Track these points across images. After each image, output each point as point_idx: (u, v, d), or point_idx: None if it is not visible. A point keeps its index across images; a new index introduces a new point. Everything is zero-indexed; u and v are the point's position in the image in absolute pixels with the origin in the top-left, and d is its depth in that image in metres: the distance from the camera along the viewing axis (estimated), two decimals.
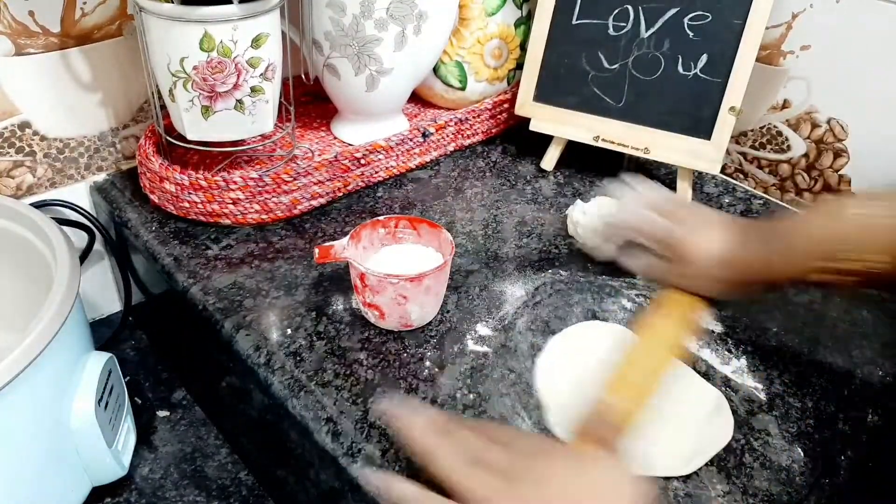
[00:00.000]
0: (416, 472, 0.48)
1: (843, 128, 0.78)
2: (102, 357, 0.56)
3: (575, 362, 0.58)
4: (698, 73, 0.75)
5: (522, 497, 0.40)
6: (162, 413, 0.71)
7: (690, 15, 0.74)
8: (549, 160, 0.84)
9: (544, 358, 0.59)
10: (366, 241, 0.61)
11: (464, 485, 0.40)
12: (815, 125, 0.80)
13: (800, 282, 0.61)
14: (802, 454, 0.52)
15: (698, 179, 0.85)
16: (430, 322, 0.60)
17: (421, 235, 0.62)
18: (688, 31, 0.75)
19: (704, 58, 0.75)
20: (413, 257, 0.61)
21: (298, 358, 0.56)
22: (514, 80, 0.89)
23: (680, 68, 0.76)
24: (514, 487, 0.40)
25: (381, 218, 0.62)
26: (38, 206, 0.69)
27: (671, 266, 0.59)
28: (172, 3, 0.60)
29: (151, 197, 0.71)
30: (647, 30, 0.76)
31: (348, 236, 0.59)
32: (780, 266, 0.54)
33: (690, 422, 0.54)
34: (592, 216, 0.70)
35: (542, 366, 0.58)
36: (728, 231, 0.57)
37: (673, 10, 0.75)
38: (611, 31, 0.78)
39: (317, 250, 0.58)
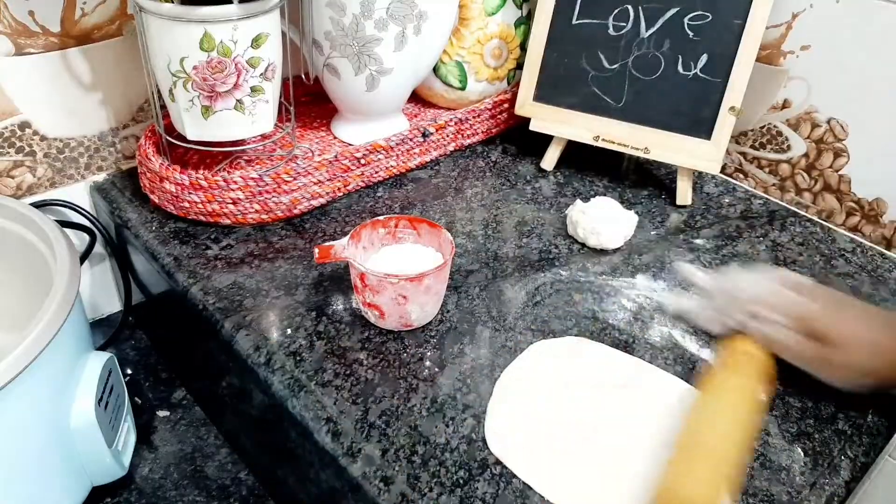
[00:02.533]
0: (416, 470, 0.48)
1: (843, 128, 0.78)
2: (102, 357, 0.56)
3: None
4: (698, 72, 0.75)
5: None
6: (162, 413, 0.70)
7: (690, 15, 0.74)
8: (549, 160, 0.84)
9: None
10: (366, 241, 0.61)
11: None
12: (815, 125, 0.80)
13: None
14: (802, 454, 0.52)
15: (698, 179, 0.85)
16: (430, 322, 0.60)
17: (421, 235, 0.62)
18: (688, 31, 0.75)
19: (704, 58, 0.75)
20: (413, 257, 0.61)
21: (298, 358, 0.56)
22: (514, 80, 0.89)
23: (680, 68, 0.76)
24: None
25: (381, 218, 0.62)
26: (38, 205, 0.69)
27: (815, 349, 0.54)
28: (172, 2, 0.60)
29: (151, 197, 0.71)
30: (647, 30, 0.76)
31: (348, 236, 0.59)
32: None
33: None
34: (592, 216, 0.70)
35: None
36: (879, 319, 0.55)
37: (673, 10, 0.75)
38: (611, 31, 0.78)
39: (317, 250, 0.58)
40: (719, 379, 0.54)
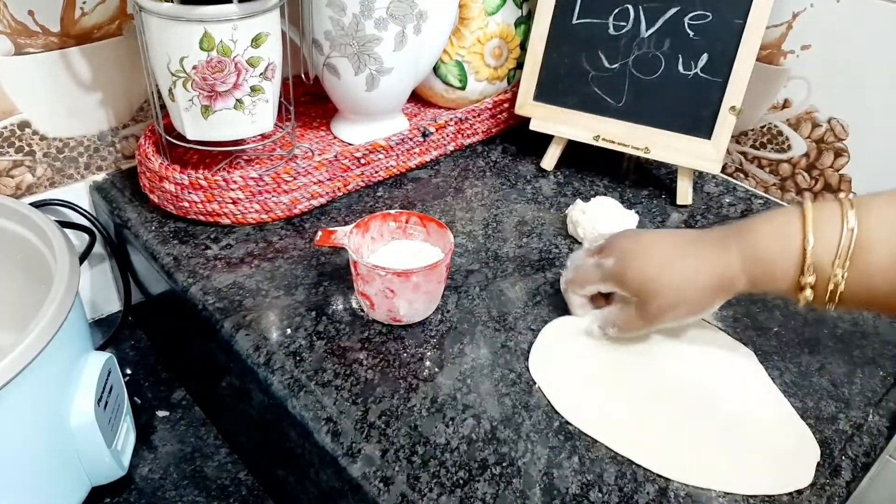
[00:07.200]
0: (416, 470, 0.48)
1: (843, 127, 0.78)
2: (102, 357, 0.56)
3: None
4: (699, 72, 0.75)
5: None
6: (161, 413, 0.70)
7: (691, 14, 0.74)
8: (549, 160, 0.84)
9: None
10: (374, 233, 0.62)
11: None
12: (815, 125, 0.80)
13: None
14: None
15: (699, 179, 0.85)
16: (431, 322, 0.60)
17: (430, 234, 0.62)
18: (688, 31, 0.75)
19: (705, 57, 0.75)
20: (420, 254, 0.61)
21: (298, 358, 0.56)
22: (514, 79, 0.89)
23: (680, 68, 0.76)
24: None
25: (391, 212, 0.62)
26: (38, 205, 0.69)
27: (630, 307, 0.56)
28: (172, 2, 0.60)
29: (151, 196, 0.71)
30: (647, 29, 0.76)
31: (353, 224, 0.59)
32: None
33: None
34: (592, 216, 0.70)
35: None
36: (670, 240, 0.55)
37: (673, 10, 0.75)
38: (611, 31, 0.78)
39: (320, 232, 0.60)
40: None
